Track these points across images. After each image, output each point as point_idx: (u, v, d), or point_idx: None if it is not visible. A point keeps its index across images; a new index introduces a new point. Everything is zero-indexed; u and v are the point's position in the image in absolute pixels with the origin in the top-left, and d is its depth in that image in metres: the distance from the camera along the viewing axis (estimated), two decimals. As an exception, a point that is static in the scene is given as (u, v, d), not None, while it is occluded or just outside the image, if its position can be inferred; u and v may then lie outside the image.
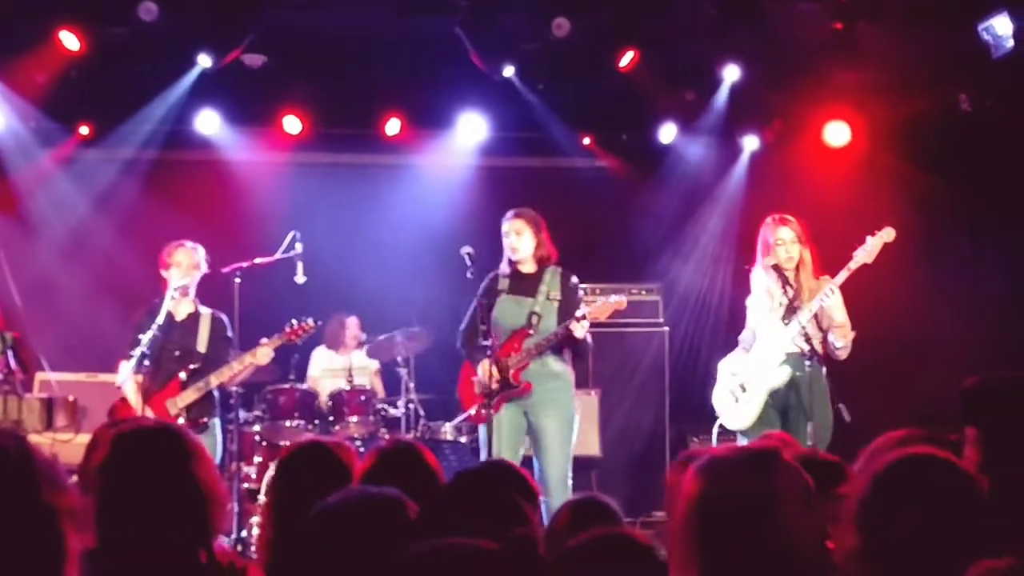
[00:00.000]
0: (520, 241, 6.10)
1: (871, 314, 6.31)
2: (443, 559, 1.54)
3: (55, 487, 1.59)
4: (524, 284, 6.12)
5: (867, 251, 5.94)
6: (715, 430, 6.32)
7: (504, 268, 6.24)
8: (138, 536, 2.31)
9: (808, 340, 5.82)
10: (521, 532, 1.58)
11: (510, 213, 6.23)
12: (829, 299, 5.88)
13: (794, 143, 8.77)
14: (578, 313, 5.95)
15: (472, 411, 6.16)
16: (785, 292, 5.99)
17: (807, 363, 5.79)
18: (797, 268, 6.05)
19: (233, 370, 6.35)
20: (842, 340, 5.90)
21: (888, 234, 5.98)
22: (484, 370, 5.93)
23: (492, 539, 1.60)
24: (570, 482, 6.03)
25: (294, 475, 3.00)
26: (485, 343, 6.00)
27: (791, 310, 5.95)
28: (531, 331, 6.03)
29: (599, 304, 6.09)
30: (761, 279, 6.17)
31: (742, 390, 6.09)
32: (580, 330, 5.93)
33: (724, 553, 1.95)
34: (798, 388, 5.91)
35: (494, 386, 5.83)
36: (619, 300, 6.14)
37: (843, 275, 5.90)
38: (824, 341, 5.97)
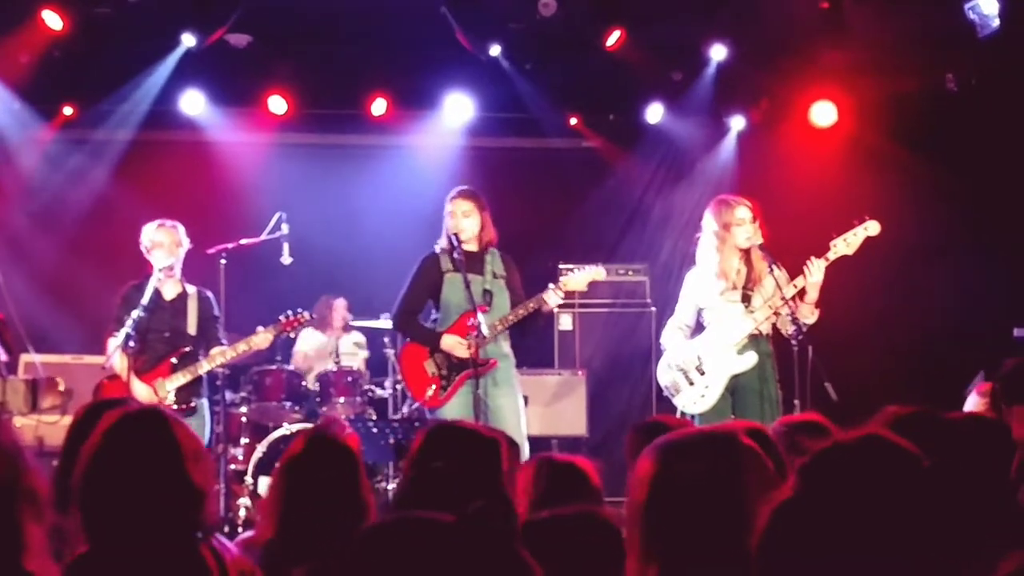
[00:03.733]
0: (468, 222, 6.03)
1: (856, 292, 6.30)
2: (400, 533, 1.53)
3: (8, 466, 1.56)
4: (469, 263, 5.99)
5: (848, 243, 5.84)
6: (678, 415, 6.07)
7: (443, 247, 6.14)
8: (131, 526, 2.27)
9: (775, 322, 5.84)
10: (480, 504, 1.55)
11: (456, 192, 6.13)
12: (812, 278, 5.81)
13: (781, 123, 8.77)
14: (551, 285, 5.92)
15: (429, 393, 6.03)
16: (741, 273, 5.94)
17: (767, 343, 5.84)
18: (750, 248, 5.94)
19: (226, 357, 6.33)
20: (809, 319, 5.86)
21: (873, 227, 5.85)
22: (459, 347, 5.90)
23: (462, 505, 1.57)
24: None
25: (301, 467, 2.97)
26: (430, 323, 6.04)
27: (748, 293, 5.92)
28: (487, 308, 5.92)
29: (576, 274, 6.07)
30: (712, 259, 5.99)
31: (700, 373, 5.98)
32: (554, 298, 5.90)
33: (679, 535, 1.91)
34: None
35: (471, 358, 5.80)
36: (596, 270, 6.11)
37: (821, 265, 5.78)
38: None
